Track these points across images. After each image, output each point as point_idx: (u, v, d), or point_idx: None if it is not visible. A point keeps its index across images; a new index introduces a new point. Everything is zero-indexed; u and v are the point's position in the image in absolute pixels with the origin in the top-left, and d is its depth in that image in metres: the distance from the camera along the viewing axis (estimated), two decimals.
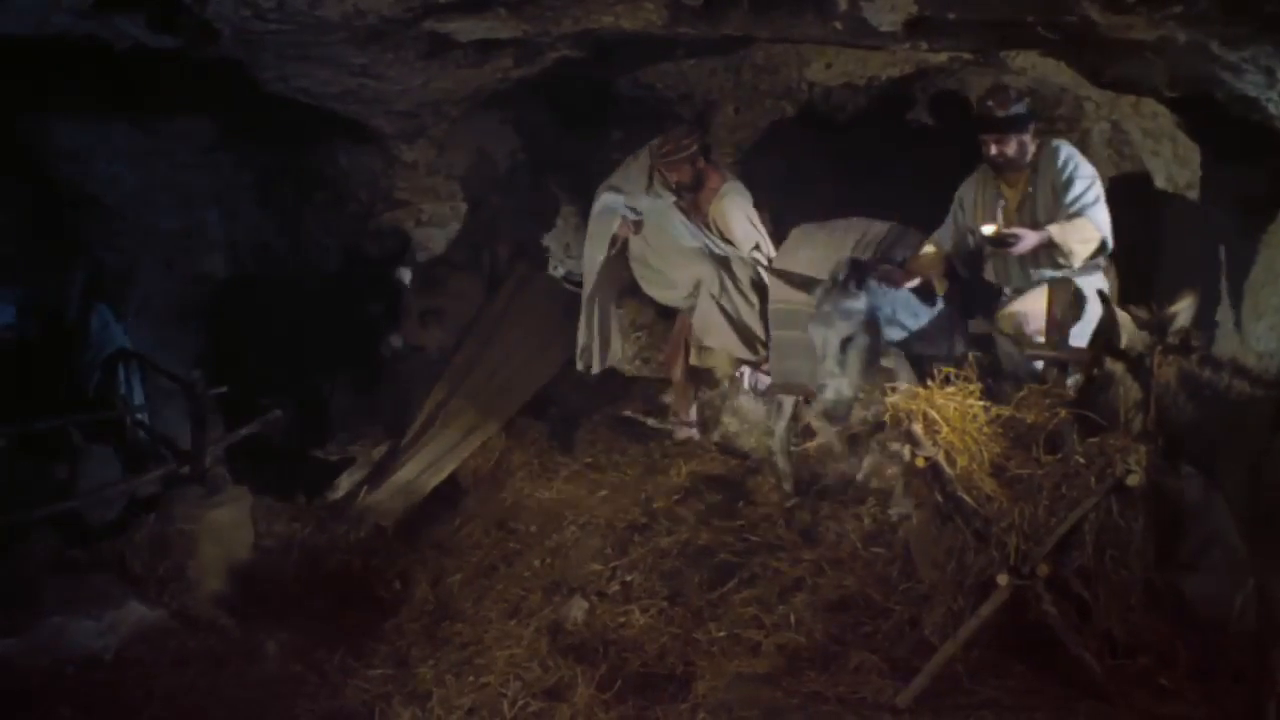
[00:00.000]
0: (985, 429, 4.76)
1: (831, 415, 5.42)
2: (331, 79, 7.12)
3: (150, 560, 6.33)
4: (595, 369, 7.45)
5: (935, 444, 4.69)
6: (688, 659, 4.93)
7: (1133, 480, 4.13)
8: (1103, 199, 5.41)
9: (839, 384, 5.25)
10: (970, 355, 5.47)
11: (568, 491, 6.97)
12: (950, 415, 4.78)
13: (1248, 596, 4.08)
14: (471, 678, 5.01)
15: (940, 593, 4.59)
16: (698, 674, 4.73)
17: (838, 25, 5.62)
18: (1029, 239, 5.33)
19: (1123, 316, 3.85)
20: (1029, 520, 4.31)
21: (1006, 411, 4.82)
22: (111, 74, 6.81)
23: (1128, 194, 7.11)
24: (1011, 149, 5.49)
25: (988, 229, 5.44)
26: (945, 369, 5.04)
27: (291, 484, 7.92)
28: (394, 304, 9.19)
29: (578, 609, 5.49)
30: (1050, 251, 5.40)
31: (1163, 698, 4.13)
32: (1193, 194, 6.42)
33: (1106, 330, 3.94)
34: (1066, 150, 5.54)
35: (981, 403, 4.86)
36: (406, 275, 9.23)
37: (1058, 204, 5.43)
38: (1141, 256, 6.94)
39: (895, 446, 4.79)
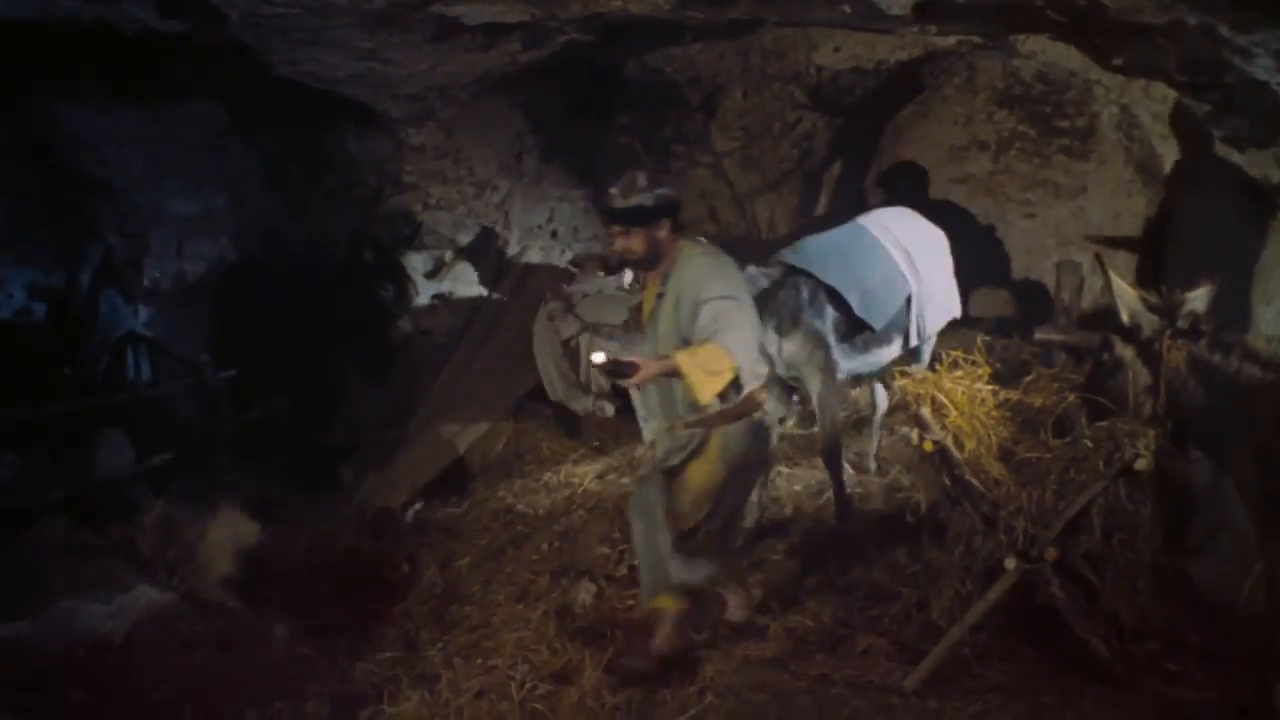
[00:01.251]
0: (993, 413, 4.75)
1: None
2: (339, 63, 7.12)
3: (159, 544, 6.35)
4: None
5: (943, 428, 4.69)
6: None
7: (1141, 465, 4.12)
8: (744, 320, 4.47)
9: None
10: (979, 339, 5.46)
11: (575, 475, 6.97)
12: (958, 399, 4.77)
13: (1255, 581, 4.08)
14: (480, 660, 5.01)
15: (948, 576, 4.58)
16: (705, 657, 4.73)
17: (846, 9, 5.61)
18: (649, 369, 4.41)
19: (1125, 292, 3.83)
20: (1037, 504, 4.30)
21: (1015, 396, 4.80)
22: (119, 58, 6.81)
23: (1138, 178, 7.13)
24: (638, 245, 4.52)
25: (598, 357, 4.57)
26: (954, 353, 5.02)
27: (300, 467, 7.94)
28: (402, 288, 9.19)
29: (585, 592, 5.50)
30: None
31: (1170, 682, 4.13)
32: (1202, 178, 6.41)
33: (1107, 307, 3.93)
34: (703, 260, 4.53)
35: (990, 386, 4.85)
36: (419, 262, 9.24)
37: (693, 323, 4.44)
38: (1151, 240, 6.94)
39: (904, 430, 4.76)
